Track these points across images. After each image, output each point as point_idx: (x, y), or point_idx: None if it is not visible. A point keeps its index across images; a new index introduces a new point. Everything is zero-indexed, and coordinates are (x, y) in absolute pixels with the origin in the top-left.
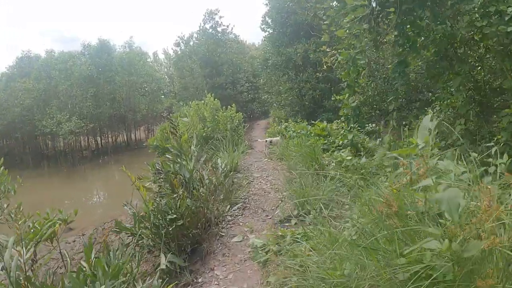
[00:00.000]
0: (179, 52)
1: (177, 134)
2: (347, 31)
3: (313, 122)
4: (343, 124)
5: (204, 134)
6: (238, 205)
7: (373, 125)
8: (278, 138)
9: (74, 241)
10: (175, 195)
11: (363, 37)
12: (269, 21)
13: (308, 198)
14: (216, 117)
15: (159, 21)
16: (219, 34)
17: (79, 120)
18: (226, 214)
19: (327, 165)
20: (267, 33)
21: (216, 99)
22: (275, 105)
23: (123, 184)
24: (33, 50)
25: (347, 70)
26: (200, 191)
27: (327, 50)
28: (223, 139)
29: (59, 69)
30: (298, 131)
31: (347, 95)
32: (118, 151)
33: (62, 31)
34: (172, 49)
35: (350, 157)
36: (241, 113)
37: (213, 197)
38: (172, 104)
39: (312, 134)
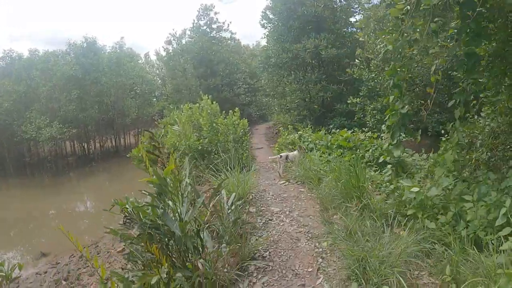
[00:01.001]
0: (170, 51)
1: (160, 157)
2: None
3: (320, 128)
4: (372, 134)
5: (200, 147)
6: (255, 263)
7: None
8: (295, 152)
9: (46, 272)
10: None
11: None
12: (271, 15)
13: (369, 259)
14: (214, 125)
15: (155, 21)
16: (214, 32)
17: (61, 125)
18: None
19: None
20: (267, 29)
21: (214, 102)
22: (277, 108)
23: (110, 197)
24: (17, 50)
25: (394, 65)
26: (200, 262)
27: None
28: (224, 154)
29: (40, 69)
30: (316, 141)
31: (391, 98)
32: (106, 158)
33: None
34: (163, 47)
35: (415, 188)
36: (246, 120)
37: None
38: (164, 107)
39: (335, 146)
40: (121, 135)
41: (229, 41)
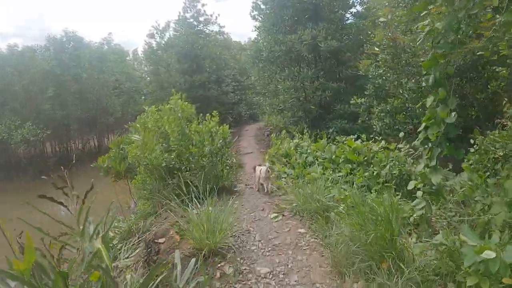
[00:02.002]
0: (153, 45)
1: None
2: None
3: (318, 131)
4: (387, 144)
5: (164, 164)
6: None
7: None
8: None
9: None
10: None
11: None
12: (262, 5)
13: None
14: (186, 132)
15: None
16: (201, 25)
17: (34, 126)
18: None
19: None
20: (259, 21)
21: (189, 104)
22: (268, 108)
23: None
24: None
25: (434, 54)
26: None
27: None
28: (199, 171)
29: (14, 65)
30: (317, 152)
31: (429, 100)
32: (88, 160)
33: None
34: (145, 41)
35: (489, 252)
36: (227, 126)
37: None
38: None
39: (341, 160)
40: (105, 134)
41: (218, 36)
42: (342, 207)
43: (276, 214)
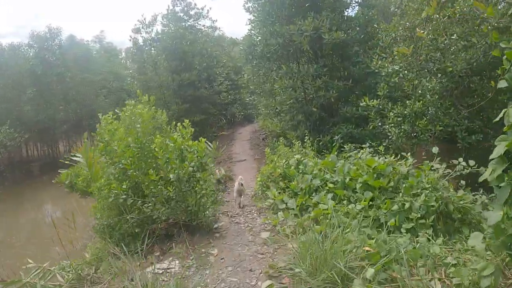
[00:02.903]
0: (139, 41)
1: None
2: None
3: (321, 136)
4: (422, 165)
5: (112, 198)
6: None
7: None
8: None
9: None
10: None
11: None
12: None
13: None
14: (148, 151)
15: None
16: (192, 19)
17: (11, 129)
18: None
19: None
20: (253, 14)
21: (159, 109)
22: (262, 109)
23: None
24: None
25: None
26: None
27: None
28: (163, 206)
29: None
30: (323, 171)
31: None
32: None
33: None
34: (130, 36)
35: None
36: (203, 142)
37: None
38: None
39: (360, 185)
40: (93, 136)
41: (209, 31)
42: (370, 273)
43: (269, 283)
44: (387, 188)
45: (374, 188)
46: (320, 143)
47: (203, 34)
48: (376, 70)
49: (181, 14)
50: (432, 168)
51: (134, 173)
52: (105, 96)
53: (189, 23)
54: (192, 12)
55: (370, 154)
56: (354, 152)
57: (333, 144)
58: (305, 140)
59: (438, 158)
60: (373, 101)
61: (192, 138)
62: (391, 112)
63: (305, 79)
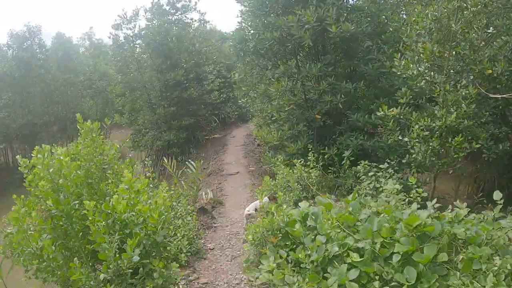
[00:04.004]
0: (120, 38)
1: None
2: None
3: (325, 146)
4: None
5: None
6: None
7: None
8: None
9: None
10: None
11: None
12: None
13: None
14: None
15: None
16: (179, 13)
17: None
18: None
19: None
20: (245, 4)
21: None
22: (258, 114)
23: None
24: None
25: None
26: None
27: None
28: None
29: None
30: (341, 226)
31: None
32: None
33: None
34: (110, 33)
35: None
36: (164, 198)
37: None
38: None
39: (397, 256)
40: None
41: (198, 23)
42: None
43: None
44: (440, 263)
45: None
46: (325, 156)
47: (191, 28)
48: (395, 70)
49: (167, 7)
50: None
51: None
52: (91, 97)
53: (175, 16)
54: (179, 5)
55: (394, 180)
56: (371, 174)
57: (342, 162)
58: (308, 155)
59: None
60: (392, 110)
61: (181, 144)
62: (414, 124)
63: (306, 80)
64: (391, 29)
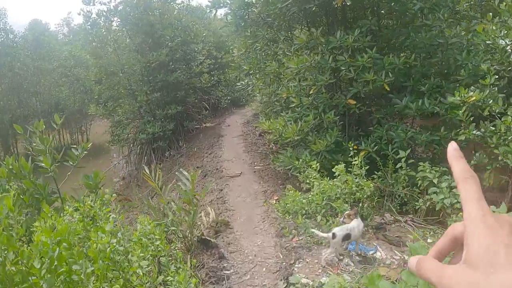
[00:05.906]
0: (93, 15)
1: None
2: None
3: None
4: None
5: None
6: None
7: None
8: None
9: None
10: None
11: None
12: None
13: None
14: None
15: None
16: None
17: None
18: None
19: None
20: None
21: None
22: (264, 99)
23: None
24: None
25: None
26: None
27: None
28: None
29: None
30: None
31: None
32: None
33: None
34: (81, 9)
35: None
36: None
37: None
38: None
39: None
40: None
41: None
42: None
43: None
44: None
45: None
46: (360, 154)
47: (175, 2)
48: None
49: None
50: None
51: None
52: (69, 87)
53: None
54: None
55: None
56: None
57: (386, 162)
58: (351, 157)
59: None
60: (473, 94)
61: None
62: (508, 117)
63: (337, 53)
64: None
